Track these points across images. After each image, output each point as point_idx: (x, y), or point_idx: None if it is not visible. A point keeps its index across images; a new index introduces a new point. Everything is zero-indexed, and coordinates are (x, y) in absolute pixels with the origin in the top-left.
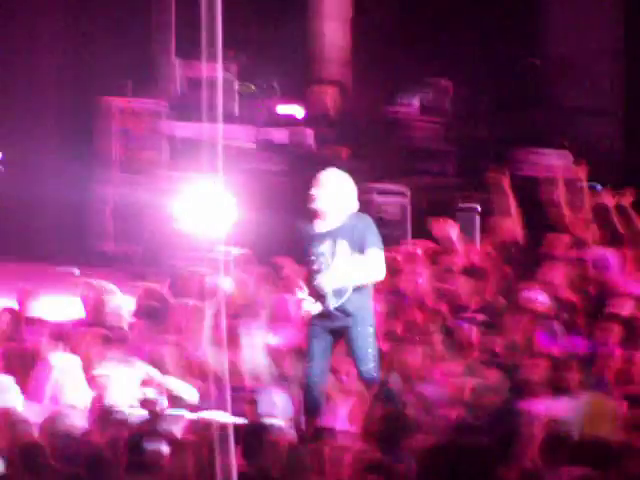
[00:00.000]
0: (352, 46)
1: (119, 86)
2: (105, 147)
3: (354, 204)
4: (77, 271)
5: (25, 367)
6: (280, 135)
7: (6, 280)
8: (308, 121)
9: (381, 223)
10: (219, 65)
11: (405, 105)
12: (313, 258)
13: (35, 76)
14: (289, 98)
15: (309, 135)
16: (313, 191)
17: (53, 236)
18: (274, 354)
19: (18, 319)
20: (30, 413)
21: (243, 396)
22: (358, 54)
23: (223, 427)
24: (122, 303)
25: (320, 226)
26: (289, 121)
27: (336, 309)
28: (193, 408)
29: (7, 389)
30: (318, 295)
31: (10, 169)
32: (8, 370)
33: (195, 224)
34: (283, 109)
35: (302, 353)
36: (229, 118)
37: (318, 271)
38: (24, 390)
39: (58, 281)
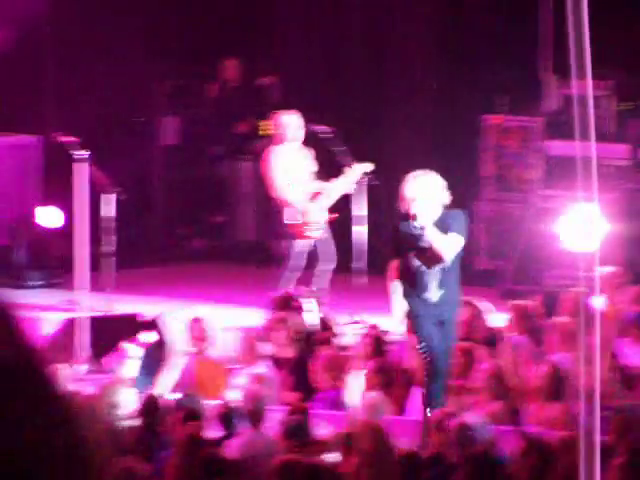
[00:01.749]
0: None
1: (496, 103)
2: (480, 164)
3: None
4: None
5: (389, 383)
6: None
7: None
8: None
9: None
10: (588, 82)
11: None
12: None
13: (416, 91)
14: None
15: None
16: None
17: None
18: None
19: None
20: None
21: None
22: None
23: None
24: (494, 320)
25: None
26: None
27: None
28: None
29: (380, 406)
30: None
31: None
32: (377, 387)
33: (571, 242)
34: None
35: None
36: (605, 136)
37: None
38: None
39: None
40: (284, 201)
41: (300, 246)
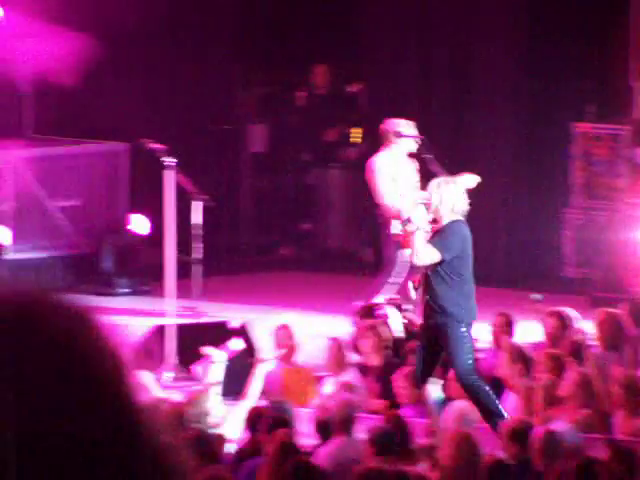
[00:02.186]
0: None
1: (586, 111)
2: (568, 172)
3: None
4: (540, 297)
5: None
6: None
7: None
8: None
9: None
10: None
11: None
12: None
13: (504, 97)
14: None
15: None
16: None
17: (516, 259)
18: None
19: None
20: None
21: None
22: None
23: None
24: (581, 328)
25: None
26: None
27: None
28: None
29: (468, 415)
30: None
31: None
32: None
33: None
34: None
35: None
36: None
37: None
38: None
39: (519, 304)
40: (392, 210)
41: (406, 255)
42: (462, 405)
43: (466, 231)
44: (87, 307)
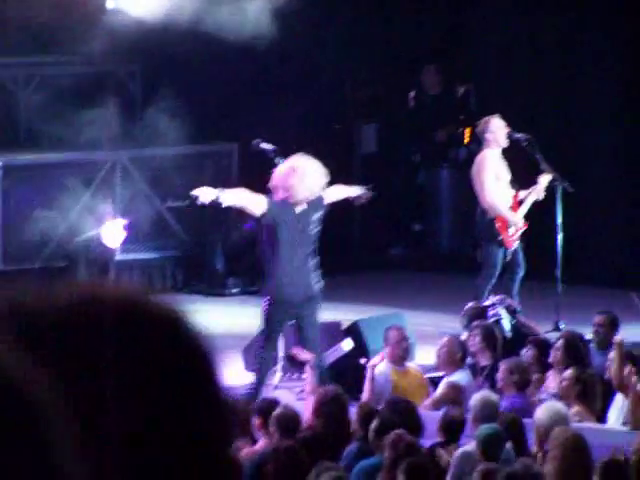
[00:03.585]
0: None
1: None
2: None
3: None
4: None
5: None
6: None
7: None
8: None
9: None
10: None
11: None
12: None
13: (609, 91)
14: None
15: None
16: None
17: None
18: None
19: None
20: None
21: None
22: None
23: None
24: None
25: None
26: None
27: None
28: None
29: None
30: None
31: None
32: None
33: None
34: None
35: None
36: None
37: None
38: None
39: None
40: (496, 209)
41: (507, 254)
42: (555, 404)
43: None
44: (185, 310)
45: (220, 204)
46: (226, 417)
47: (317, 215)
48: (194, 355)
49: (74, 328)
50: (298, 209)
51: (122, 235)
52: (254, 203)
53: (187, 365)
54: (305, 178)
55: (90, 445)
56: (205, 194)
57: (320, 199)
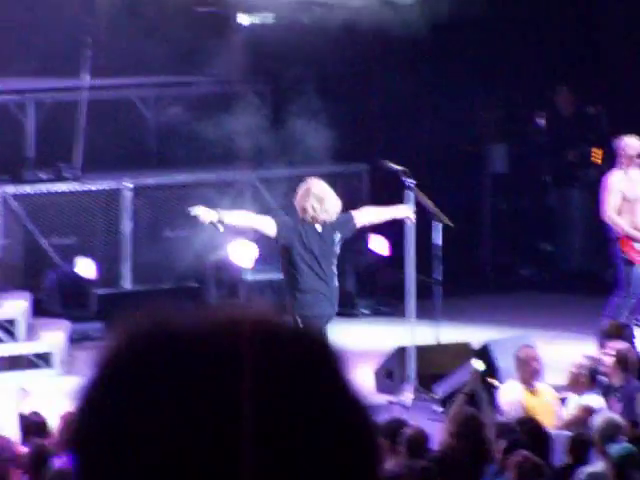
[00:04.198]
0: None
1: None
2: None
3: None
4: None
5: None
6: None
7: None
8: None
9: None
10: None
11: None
12: None
13: None
14: None
15: None
16: None
17: None
18: None
19: None
20: None
21: None
22: None
23: None
24: None
25: None
26: None
27: None
28: None
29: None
30: None
31: None
32: None
33: None
34: None
35: None
36: None
37: None
38: None
39: None
40: (618, 227)
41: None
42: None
43: None
44: (322, 333)
45: (219, 227)
46: (372, 439)
47: (340, 236)
48: (336, 378)
49: (214, 353)
50: (319, 228)
51: (254, 255)
52: (264, 225)
53: (331, 388)
54: (323, 201)
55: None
56: (205, 214)
57: (347, 221)
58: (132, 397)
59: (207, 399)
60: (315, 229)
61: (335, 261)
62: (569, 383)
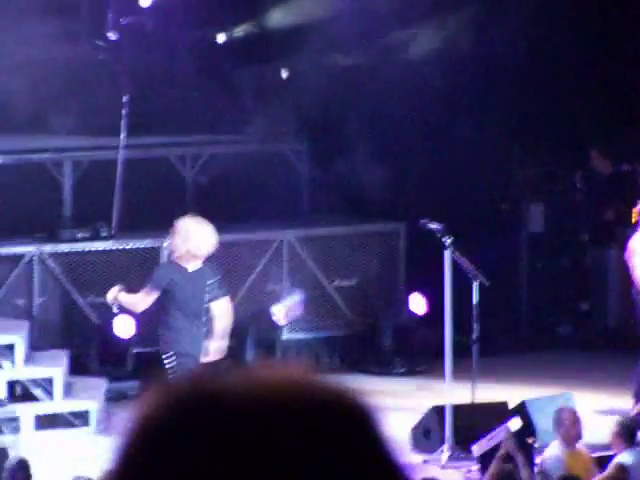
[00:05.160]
0: None
1: None
2: None
3: None
4: None
5: None
6: None
7: None
8: None
9: None
10: None
11: None
12: None
13: None
14: None
15: None
16: None
17: None
18: None
19: None
20: None
21: None
22: None
23: None
24: None
25: None
26: None
27: None
28: None
29: None
30: None
31: None
32: None
33: None
34: None
35: None
36: None
37: None
38: None
39: None
40: None
41: None
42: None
43: None
44: (366, 400)
45: (113, 307)
46: None
47: (213, 279)
48: (377, 439)
49: (252, 416)
50: (191, 268)
51: (293, 314)
52: (139, 302)
53: (372, 450)
54: (188, 239)
55: None
56: (109, 293)
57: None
58: (173, 458)
59: (253, 462)
60: (187, 270)
61: (205, 309)
62: (611, 442)
